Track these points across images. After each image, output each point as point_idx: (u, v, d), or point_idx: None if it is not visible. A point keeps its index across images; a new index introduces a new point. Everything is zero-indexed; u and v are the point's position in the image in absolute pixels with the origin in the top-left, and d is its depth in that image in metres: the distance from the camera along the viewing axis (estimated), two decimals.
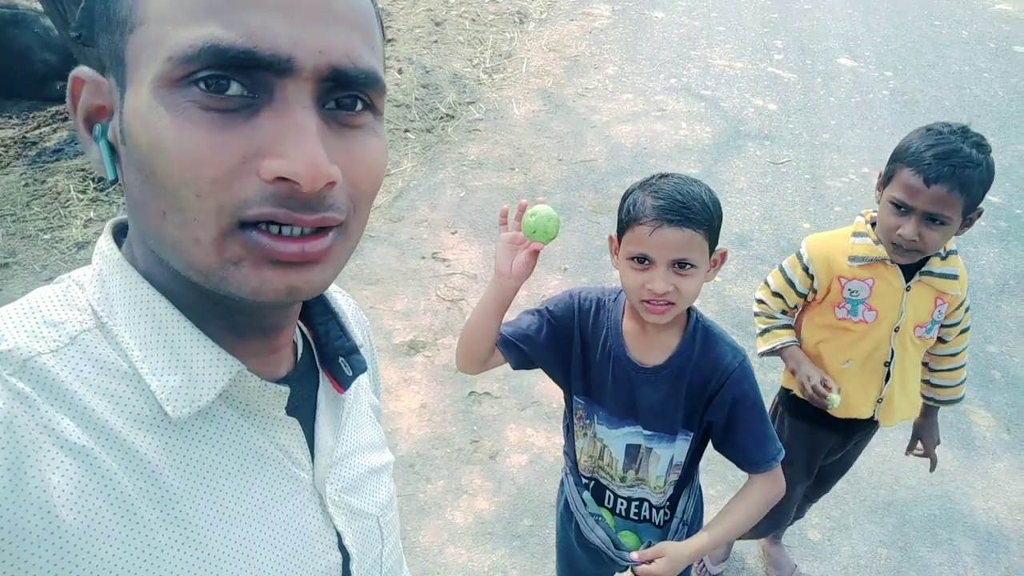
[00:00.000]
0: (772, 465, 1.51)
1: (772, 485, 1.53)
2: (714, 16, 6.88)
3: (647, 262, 1.36)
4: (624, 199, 1.43)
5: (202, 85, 0.48)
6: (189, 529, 0.55)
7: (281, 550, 0.62)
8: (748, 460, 1.53)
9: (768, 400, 1.78)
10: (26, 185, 3.96)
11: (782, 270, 1.89)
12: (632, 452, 1.56)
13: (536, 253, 1.37)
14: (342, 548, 0.69)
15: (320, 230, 0.53)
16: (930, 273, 1.75)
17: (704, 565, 2.44)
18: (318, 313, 0.73)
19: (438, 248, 3.80)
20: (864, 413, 1.89)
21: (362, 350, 0.75)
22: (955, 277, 1.75)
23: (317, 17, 0.50)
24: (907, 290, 1.75)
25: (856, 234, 1.79)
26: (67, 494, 0.49)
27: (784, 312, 1.93)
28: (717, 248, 1.40)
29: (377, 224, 3.92)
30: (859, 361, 1.84)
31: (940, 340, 1.87)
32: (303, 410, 0.68)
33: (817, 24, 6.87)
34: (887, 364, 1.82)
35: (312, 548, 0.65)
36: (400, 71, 5.33)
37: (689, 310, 1.48)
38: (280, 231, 0.51)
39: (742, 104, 5.43)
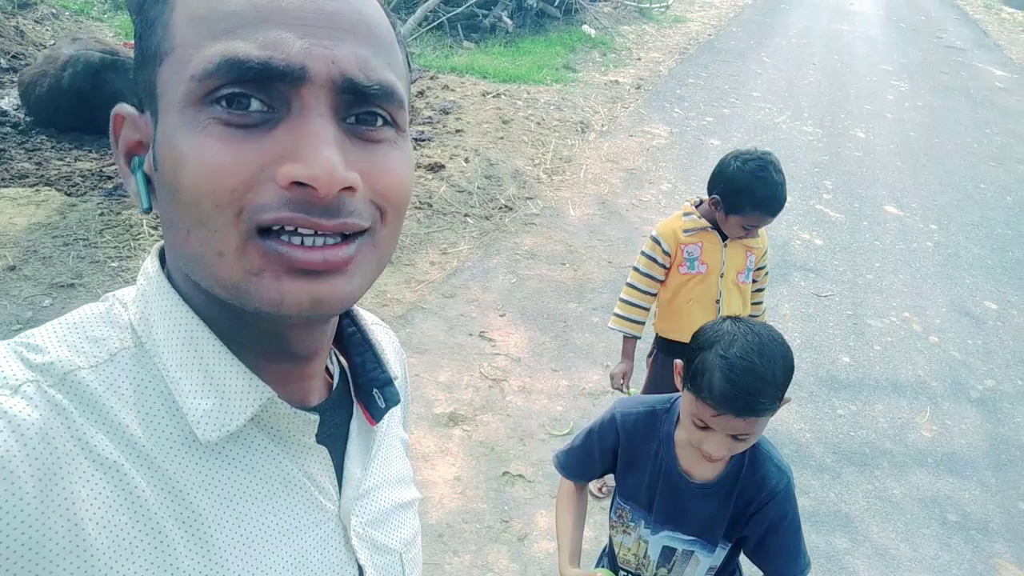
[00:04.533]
0: None
1: None
2: (768, 150, 7.11)
3: (706, 426, 1.39)
4: (694, 352, 1.40)
5: (223, 103, 0.50)
6: (212, 552, 0.55)
7: None
8: (777, 574, 1.56)
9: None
10: (101, 215, 4.14)
11: (644, 254, 2.55)
12: (667, 554, 1.60)
13: None
14: None
15: (344, 238, 0.54)
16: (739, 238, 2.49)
17: None
18: (356, 343, 0.73)
19: (485, 327, 3.87)
20: None
21: (396, 383, 0.73)
22: (757, 235, 2.48)
23: (328, 30, 0.52)
24: (725, 246, 2.47)
25: (685, 215, 2.50)
26: (94, 508, 0.49)
27: (651, 291, 2.57)
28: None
29: (430, 297, 4.03)
30: (698, 300, 2.51)
31: (754, 282, 2.59)
32: (335, 440, 0.67)
33: (866, 171, 7.09)
34: (717, 302, 2.51)
35: None
36: (467, 160, 5.56)
37: None
38: (303, 241, 0.51)
39: (790, 235, 5.57)
